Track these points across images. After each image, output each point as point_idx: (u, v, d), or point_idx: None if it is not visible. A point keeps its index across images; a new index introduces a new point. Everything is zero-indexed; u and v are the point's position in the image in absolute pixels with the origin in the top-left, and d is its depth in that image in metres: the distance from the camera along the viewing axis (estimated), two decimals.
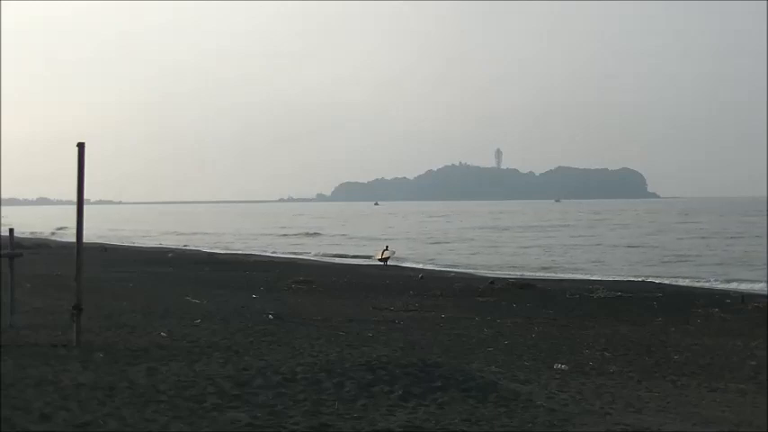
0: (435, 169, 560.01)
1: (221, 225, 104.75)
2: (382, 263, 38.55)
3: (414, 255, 47.88)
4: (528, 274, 34.45)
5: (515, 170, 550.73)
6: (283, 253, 51.01)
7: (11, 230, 12.04)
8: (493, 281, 26.80)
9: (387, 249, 40.22)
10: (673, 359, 12.53)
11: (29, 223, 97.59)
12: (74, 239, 10.23)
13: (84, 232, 10.17)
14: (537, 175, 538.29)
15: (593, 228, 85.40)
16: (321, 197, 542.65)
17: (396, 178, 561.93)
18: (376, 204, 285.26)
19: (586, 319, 17.45)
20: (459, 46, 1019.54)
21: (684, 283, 30.51)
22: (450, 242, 63.71)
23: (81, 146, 10.00)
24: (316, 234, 76.61)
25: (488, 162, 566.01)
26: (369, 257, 43.42)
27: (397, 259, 41.03)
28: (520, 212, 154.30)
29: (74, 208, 10.16)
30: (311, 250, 53.40)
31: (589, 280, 30.53)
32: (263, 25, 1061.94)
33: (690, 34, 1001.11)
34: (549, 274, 35.02)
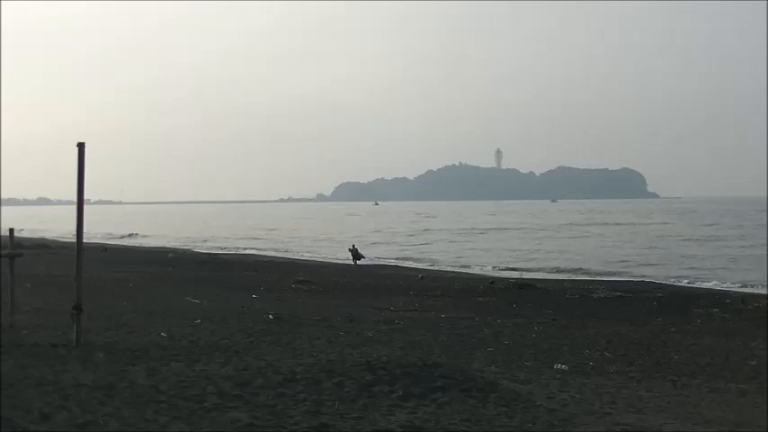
0: (435, 169, 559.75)
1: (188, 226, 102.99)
2: (354, 262, 38.03)
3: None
4: (528, 275, 34.47)
5: (515, 170, 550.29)
6: (284, 253, 51.10)
7: (11, 230, 12.04)
8: (493, 281, 26.81)
9: (354, 248, 39.43)
10: (673, 359, 12.52)
11: None
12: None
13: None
14: (537, 175, 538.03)
15: (584, 228, 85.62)
16: (321, 197, 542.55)
17: (396, 178, 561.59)
18: (376, 204, 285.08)
19: (586, 319, 17.44)
20: (459, 46, 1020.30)
21: (684, 283, 30.53)
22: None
23: (81, 146, 10.01)
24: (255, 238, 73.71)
25: (488, 162, 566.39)
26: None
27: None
28: (503, 213, 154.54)
29: (74, 208, 10.18)
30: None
31: (589, 280, 30.56)
32: (264, 25, 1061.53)
33: (690, 34, 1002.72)
34: (549, 275, 35.03)
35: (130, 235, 74.78)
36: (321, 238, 68.81)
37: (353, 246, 40.02)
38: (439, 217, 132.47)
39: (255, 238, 70.15)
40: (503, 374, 9.97)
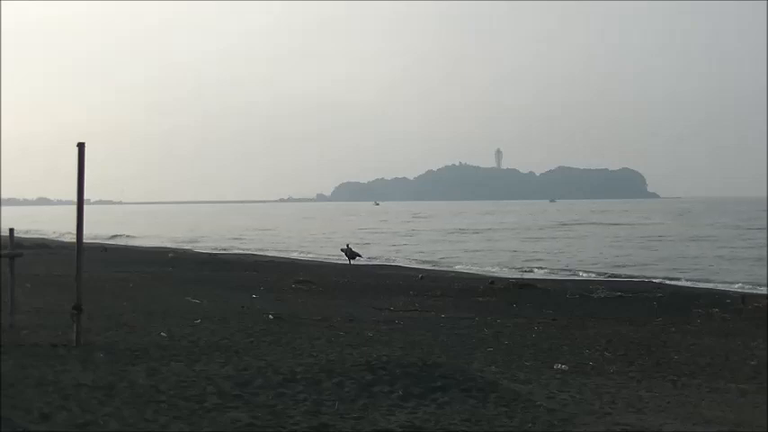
0: (435, 169, 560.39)
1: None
2: (349, 262, 37.62)
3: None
4: (528, 275, 34.48)
5: (515, 170, 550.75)
6: (284, 252, 51.14)
7: (11, 230, 12.04)
8: (493, 281, 26.79)
9: (347, 248, 38.99)
10: (673, 359, 12.52)
11: None
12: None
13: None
14: (537, 175, 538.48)
15: (583, 228, 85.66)
16: (321, 197, 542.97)
17: (396, 178, 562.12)
18: (376, 204, 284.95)
19: (586, 319, 17.43)
20: (459, 46, 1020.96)
21: (684, 283, 30.52)
22: None
23: (81, 146, 10.01)
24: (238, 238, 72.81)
25: (488, 162, 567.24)
26: None
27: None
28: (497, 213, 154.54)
29: (74, 208, 10.17)
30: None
31: (589, 280, 30.56)
32: (264, 25, 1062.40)
33: (690, 34, 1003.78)
34: (549, 275, 35.05)
35: (114, 237, 70.96)
36: (317, 238, 68.94)
37: (347, 245, 39.80)
38: (438, 217, 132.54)
39: (249, 239, 70.05)
40: (503, 374, 9.97)
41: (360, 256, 38.76)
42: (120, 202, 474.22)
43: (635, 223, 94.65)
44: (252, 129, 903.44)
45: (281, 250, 54.09)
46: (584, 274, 34.80)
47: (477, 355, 11.91)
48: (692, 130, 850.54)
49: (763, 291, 26.83)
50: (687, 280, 32.06)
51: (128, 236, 73.53)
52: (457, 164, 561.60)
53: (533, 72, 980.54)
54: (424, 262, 43.01)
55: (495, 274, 33.21)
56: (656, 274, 34.82)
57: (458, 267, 39.69)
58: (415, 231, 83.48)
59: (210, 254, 46.82)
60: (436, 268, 38.72)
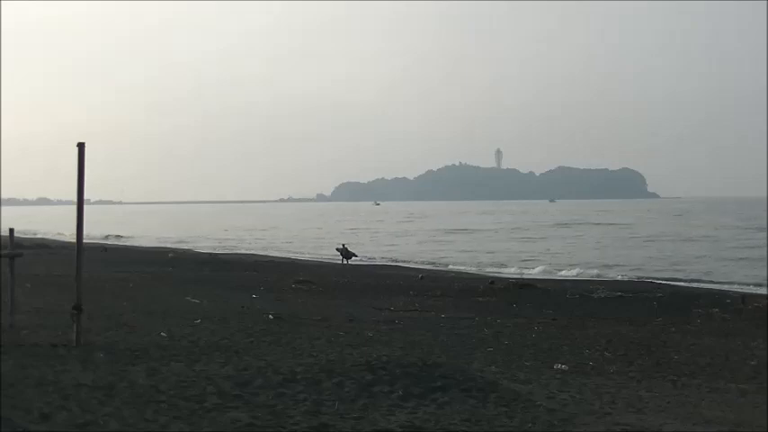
0: (435, 169, 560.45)
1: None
2: (343, 262, 37.34)
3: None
4: (528, 275, 34.49)
5: (515, 170, 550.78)
6: (284, 252, 51.16)
7: (11, 230, 12.03)
8: (493, 281, 26.80)
9: (343, 247, 38.55)
10: (673, 359, 12.52)
11: None
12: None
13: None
14: (537, 175, 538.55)
15: (583, 228, 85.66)
16: (321, 197, 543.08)
17: (396, 178, 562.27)
18: (377, 204, 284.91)
19: (586, 319, 17.43)
20: (459, 46, 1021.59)
21: (684, 284, 30.53)
22: None
23: (81, 146, 10.01)
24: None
25: (488, 162, 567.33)
26: None
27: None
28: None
29: (74, 208, 10.17)
30: None
31: (589, 280, 30.57)
32: (264, 25, 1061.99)
33: (690, 34, 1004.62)
34: (548, 275, 35.05)
35: (107, 237, 68.35)
36: (317, 238, 68.91)
37: (343, 245, 39.66)
38: (438, 217, 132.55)
39: (249, 239, 69.93)
40: (503, 374, 9.97)
41: (355, 255, 38.65)
42: (120, 202, 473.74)
43: (635, 223, 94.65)
44: (252, 129, 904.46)
45: (281, 250, 54.18)
46: (584, 274, 34.79)
47: (477, 355, 11.91)
48: (692, 130, 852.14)
49: (763, 291, 26.86)
50: (687, 280, 32.07)
51: (119, 236, 71.54)
52: (457, 164, 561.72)
53: (533, 72, 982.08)
54: (424, 262, 43.01)
55: (495, 274, 33.20)
56: (656, 274, 34.85)
57: (458, 267, 39.69)
58: (414, 231, 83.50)
59: (210, 254, 46.80)
60: (436, 268, 38.72)
